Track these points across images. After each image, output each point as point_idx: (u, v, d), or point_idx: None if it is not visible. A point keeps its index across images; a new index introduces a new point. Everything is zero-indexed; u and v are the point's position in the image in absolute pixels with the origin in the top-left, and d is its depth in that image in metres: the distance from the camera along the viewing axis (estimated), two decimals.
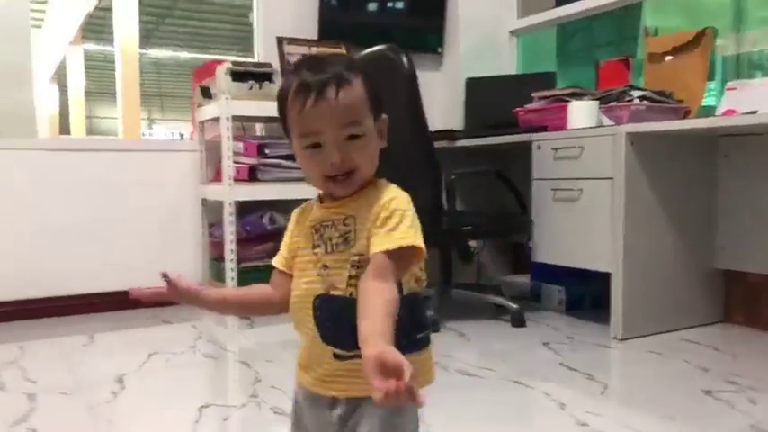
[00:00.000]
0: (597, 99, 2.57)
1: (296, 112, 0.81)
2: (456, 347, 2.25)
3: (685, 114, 2.53)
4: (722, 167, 2.50)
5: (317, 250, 0.85)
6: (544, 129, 2.66)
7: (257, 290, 0.95)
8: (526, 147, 2.64)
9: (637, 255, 2.32)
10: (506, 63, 3.56)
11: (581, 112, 2.47)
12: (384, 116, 0.88)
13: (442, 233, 2.46)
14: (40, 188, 2.75)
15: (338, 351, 0.82)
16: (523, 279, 3.13)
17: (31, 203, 2.74)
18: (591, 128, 2.42)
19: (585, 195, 2.41)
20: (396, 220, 0.81)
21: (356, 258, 0.82)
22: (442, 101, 3.49)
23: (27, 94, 3.88)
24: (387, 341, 0.68)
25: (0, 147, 2.68)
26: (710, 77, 2.74)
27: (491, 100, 3.21)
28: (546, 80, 3.10)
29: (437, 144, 2.96)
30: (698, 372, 1.96)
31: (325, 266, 0.84)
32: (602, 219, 2.34)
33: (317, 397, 0.86)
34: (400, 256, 0.79)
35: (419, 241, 0.80)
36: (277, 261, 0.93)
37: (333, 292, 0.82)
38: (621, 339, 2.31)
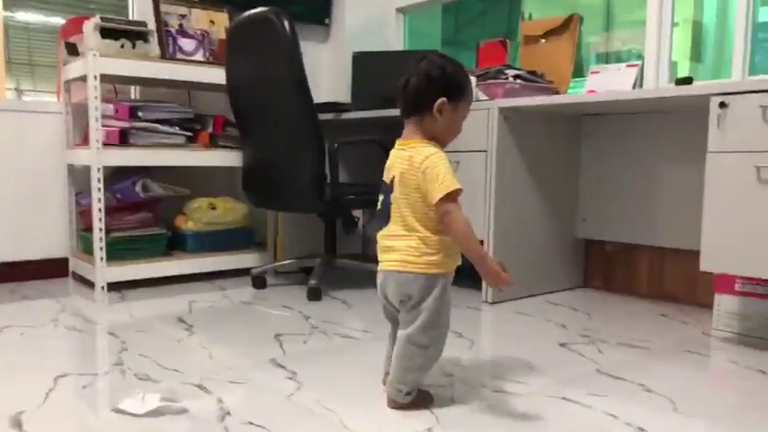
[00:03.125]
0: (476, 76, 2.68)
1: (470, 99, 1.43)
2: (338, 314, 2.28)
3: (555, 94, 2.69)
4: (584, 145, 2.70)
5: None
6: None
7: None
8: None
9: (506, 224, 2.45)
10: (393, 39, 3.62)
11: None
12: None
13: (325, 203, 2.47)
14: None
15: None
16: None
17: None
18: None
19: (462, 167, 2.51)
20: None
21: None
22: (329, 73, 3.49)
23: None
24: None
25: None
26: (583, 73, 2.92)
27: (378, 74, 3.23)
28: None
29: (324, 116, 2.98)
30: (557, 328, 2.12)
31: None
32: (478, 190, 2.45)
33: None
34: None
35: None
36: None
37: None
38: (492, 303, 2.44)
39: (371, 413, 1.39)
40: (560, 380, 1.62)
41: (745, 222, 1.77)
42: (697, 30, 3.63)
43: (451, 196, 1.30)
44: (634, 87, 2.50)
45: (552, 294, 2.63)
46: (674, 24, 2.64)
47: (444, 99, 1.35)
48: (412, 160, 1.34)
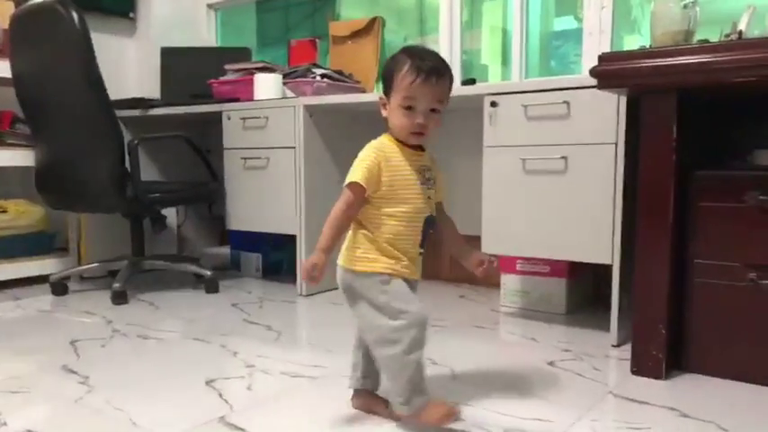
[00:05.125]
0: (284, 74, 2.73)
1: (408, 82, 1.21)
2: (144, 317, 2.21)
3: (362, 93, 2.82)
4: None
5: (424, 185, 1.27)
6: (237, 100, 2.73)
7: (349, 222, 1.26)
8: (220, 117, 2.69)
9: (318, 218, 2.51)
10: (205, 36, 3.56)
11: (266, 85, 2.60)
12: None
13: (128, 202, 2.38)
14: None
15: (421, 251, 1.29)
16: (226, 250, 3.19)
17: None
18: (274, 99, 2.56)
19: (272, 164, 2.55)
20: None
21: (432, 194, 1.29)
22: (137, 68, 3.36)
23: None
24: None
25: None
26: None
27: (188, 71, 3.17)
28: (241, 54, 3.17)
29: (131, 112, 2.87)
30: None
31: (429, 198, 1.27)
32: (287, 186, 2.51)
33: (411, 281, 1.28)
34: None
35: None
36: (365, 183, 1.22)
37: (431, 215, 1.29)
38: (306, 296, 2.51)
39: (164, 409, 1.39)
40: None
41: (516, 208, 2.00)
42: (504, 36, 3.99)
43: (349, 186, 1.23)
44: None
45: None
46: (462, 29, 2.88)
47: (381, 94, 1.29)
48: None
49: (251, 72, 2.77)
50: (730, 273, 1.55)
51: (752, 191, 1.51)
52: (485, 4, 4.02)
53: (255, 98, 2.61)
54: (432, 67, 1.21)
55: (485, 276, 1.36)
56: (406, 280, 1.26)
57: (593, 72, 1.54)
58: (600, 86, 1.57)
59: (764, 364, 1.52)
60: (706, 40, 1.61)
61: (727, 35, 1.62)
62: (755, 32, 1.63)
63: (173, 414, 1.36)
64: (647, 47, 1.62)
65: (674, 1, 1.50)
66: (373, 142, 1.28)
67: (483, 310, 2.32)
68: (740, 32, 1.60)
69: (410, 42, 4.15)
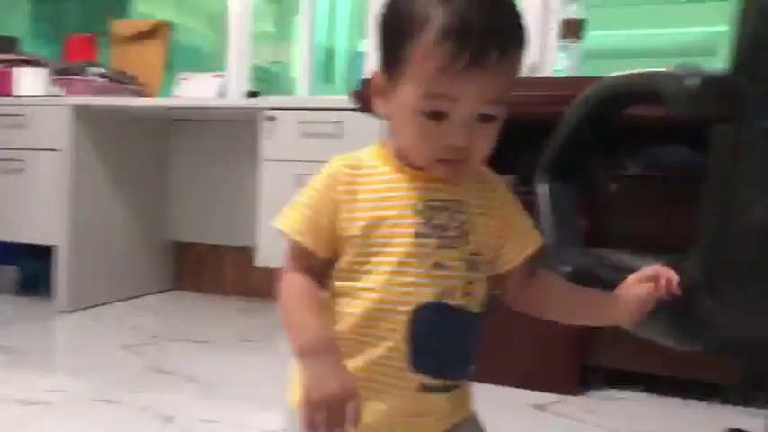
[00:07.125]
0: (56, 71, 2.50)
1: (436, 64, 0.57)
2: None
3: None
4: (173, 150, 2.74)
5: (424, 240, 0.62)
6: None
7: (319, 304, 0.65)
8: None
9: (85, 228, 2.34)
10: None
11: (27, 80, 2.37)
12: None
13: None
14: None
15: (429, 381, 0.64)
16: None
17: None
18: (38, 97, 2.34)
19: (32, 167, 2.31)
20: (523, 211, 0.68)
21: (473, 258, 0.63)
22: None
23: None
24: None
25: None
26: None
27: None
28: (5, 44, 2.83)
29: None
30: (128, 332, 2.10)
31: (438, 265, 0.62)
32: (50, 191, 2.29)
33: None
34: None
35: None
36: (309, 241, 0.63)
37: (448, 302, 0.62)
38: (69, 312, 2.29)
39: None
40: (106, 382, 1.61)
41: None
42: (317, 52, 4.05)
43: (288, 242, 0.65)
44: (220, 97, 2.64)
45: (140, 298, 2.60)
46: (257, 40, 2.86)
47: (377, 70, 0.64)
48: None
49: (12, 64, 2.50)
50: None
51: None
52: (296, 17, 4.06)
53: (14, 94, 2.35)
54: (492, 29, 0.57)
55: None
56: None
57: (350, 95, 1.61)
58: (360, 110, 1.64)
59: (515, 367, 1.64)
60: None
61: None
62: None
63: None
64: None
65: None
66: (337, 159, 0.66)
67: (257, 324, 2.29)
68: None
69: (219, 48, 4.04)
